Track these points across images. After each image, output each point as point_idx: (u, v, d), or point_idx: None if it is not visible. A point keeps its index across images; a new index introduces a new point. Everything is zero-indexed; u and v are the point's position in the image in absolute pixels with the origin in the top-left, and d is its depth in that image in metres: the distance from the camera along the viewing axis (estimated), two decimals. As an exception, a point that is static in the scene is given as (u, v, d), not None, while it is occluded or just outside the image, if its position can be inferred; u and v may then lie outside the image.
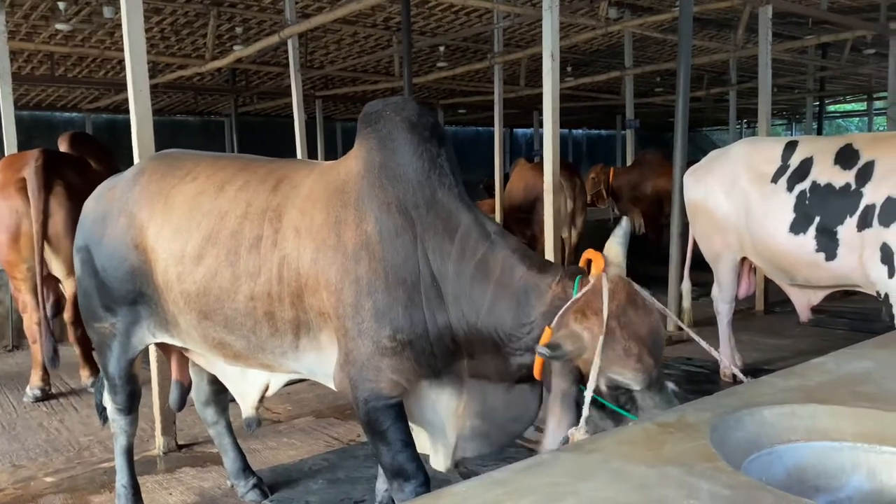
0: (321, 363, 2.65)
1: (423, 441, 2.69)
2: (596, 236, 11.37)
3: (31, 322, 5.09)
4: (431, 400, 2.58)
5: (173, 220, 2.78)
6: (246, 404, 3.02)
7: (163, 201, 2.84)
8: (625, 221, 2.43)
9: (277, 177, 2.74)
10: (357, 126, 2.72)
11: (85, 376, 5.38)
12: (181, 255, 2.72)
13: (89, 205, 3.12)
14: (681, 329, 6.04)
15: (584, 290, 2.24)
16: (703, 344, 2.49)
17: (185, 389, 3.32)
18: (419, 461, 2.54)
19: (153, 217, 2.83)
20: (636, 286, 2.29)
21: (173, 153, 3.15)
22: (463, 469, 3.58)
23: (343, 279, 2.45)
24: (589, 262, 2.32)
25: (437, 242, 2.45)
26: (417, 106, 2.65)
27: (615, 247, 2.35)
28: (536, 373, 2.38)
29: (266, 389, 2.97)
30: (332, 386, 2.72)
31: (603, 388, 2.19)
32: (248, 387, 2.98)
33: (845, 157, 4.07)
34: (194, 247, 2.70)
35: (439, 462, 2.67)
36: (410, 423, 2.61)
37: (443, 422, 2.60)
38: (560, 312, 2.24)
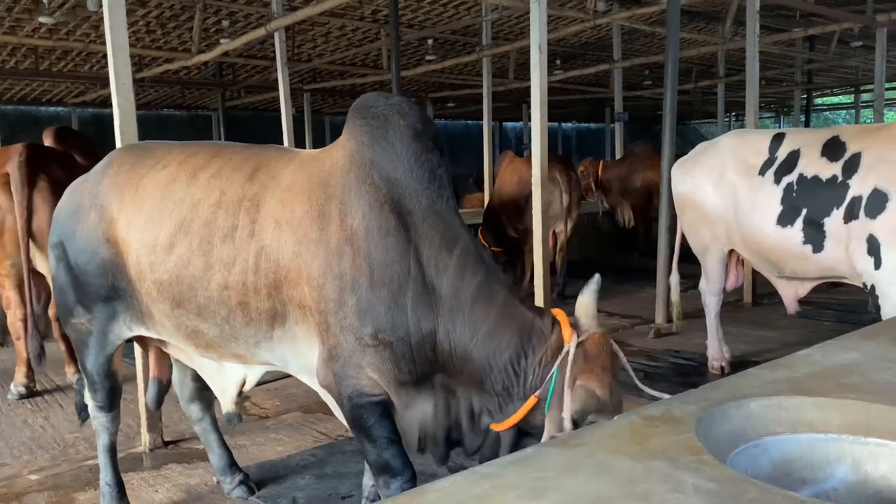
0: (295, 354, 2.64)
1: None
2: (585, 230, 11.32)
3: (16, 318, 5.03)
4: (404, 402, 2.55)
5: (144, 209, 2.74)
6: (225, 399, 3.00)
7: (132, 191, 2.80)
8: (597, 278, 2.47)
9: (253, 165, 2.69)
10: (348, 115, 2.67)
11: (70, 373, 5.33)
12: (153, 245, 2.69)
13: (63, 200, 3.08)
14: (669, 321, 6.08)
15: (568, 348, 2.35)
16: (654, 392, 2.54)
17: (164, 387, 3.30)
18: (405, 457, 2.54)
19: (123, 208, 2.80)
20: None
21: (143, 144, 3.12)
22: (451, 464, 3.57)
23: (326, 274, 2.43)
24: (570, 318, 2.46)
25: (434, 253, 2.44)
26: (421, 111, 2.63)
27: (590, 303, 2.44)
28: (509, 423, 2.42)
29: (243, 384, 2.95)
30: (304, 378, 2.72)
31: (570, 426, 2.29)
32: (226, 382, 2.97)
33: (832, 149, 4.08)
34: (166, 236, 2.66)
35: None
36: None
37: (411, 425, 2.58)
38: (550, 377, 2.36)
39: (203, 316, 2.65)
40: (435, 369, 2.50)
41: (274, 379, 5.12)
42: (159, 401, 3.31)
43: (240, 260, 2.54)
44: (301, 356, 2.62)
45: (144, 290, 2.77)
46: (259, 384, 3.23)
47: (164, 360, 3.24)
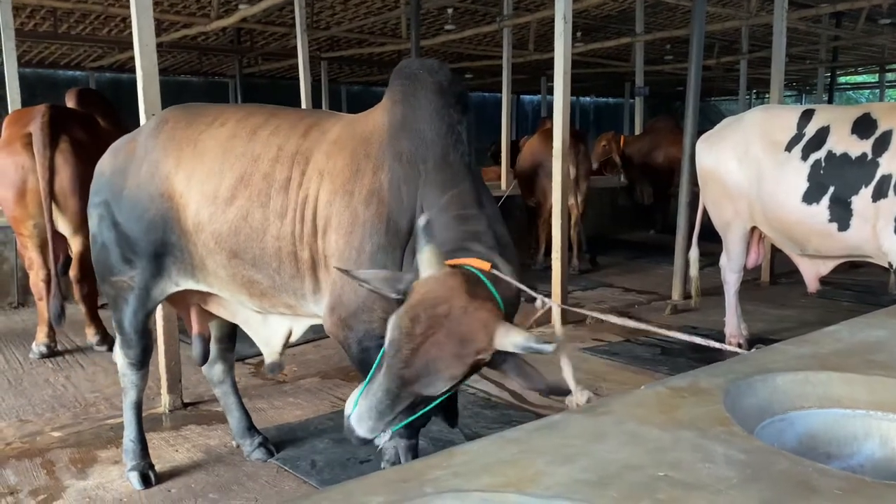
0: None
1: None
2: (603, 205, 11.20)
3: (38, 279, 5.08)
4: None
5: (206, 162, 2.84)
6: (270, 349, 3.11)
7: (192, 147, 2.90)
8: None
9: (308, 123, 2.84)
10: (389, 80, 2.82)
11: (90, 334, 5.39)
12: (214, 196, 2.79)
13: (105, 160, 3.14)
14: (686, 297, 6.06)
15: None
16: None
17: (206, 342, 3.36)
18: None
19: (181, 163, 2.88)
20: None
21: (192, 104, 3.18)
22: (468, 431, 3.60)
23: (353, 223, 2.58)
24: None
25: (434, 196, 2.55)
26: (449, 71, 2.76)
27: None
28: None
29: (289, 335, 3.07)
30: None
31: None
32: (272, 332, 3.09)
33: (862, 126, 4.01)
34: (227, 188, 2.78)
35: None
36: None
37: None
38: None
39: (258, 266, 2.77)
40: None
41: (297, 343, 5.16)
42: (206, 356, 3.38)
43: (290, 210, 2.68)
44: None
45: (202, 242, 2.86)
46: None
47: (205, 316, 3.31)
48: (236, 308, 3.10)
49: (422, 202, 2.55)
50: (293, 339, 3.09)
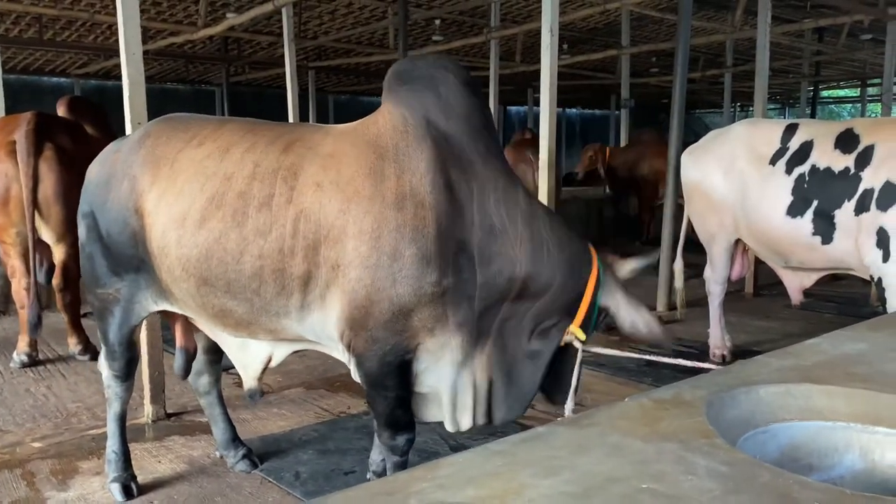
0: (325, 325, 2.64)
1: (434, 408, 2.78)
2: (589, 216, 11.30)
3: (20, 287, 5.03)
4: (454, 356, 2.62)
5: (177, 184, 2.75)
6: (248, 375, 3.01)
7: (168, 165, 2.80)
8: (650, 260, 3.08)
9: (288, 140, 2.73)
10: (386, 85, 2.74)
11: (73, 344, 5.34)
12: (182, 219, 2.69)
13: (94, 168, 3.08)
14: (671, 309, 6.09)
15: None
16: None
17: (191, 356, 3.30)
18: (412, 415, 2.72)
19: (156, 181, 2.80)
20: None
21: (178, 117, 3.09)
22: (453, 442, 3.59)
23: (381, 227, 2.47)
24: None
25: (500, 195, 2.59)
26: (461, 66, 2.76)
27: (632, 262, 3.07)
28: (579, 316, 2.73)
29: (269, 361, 2.95)
30: (335, 353, 2.74)
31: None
32: (251, 358, 2.97)
33: (845, 141, 4.07)
34: (197, 210, 2.67)
35: (461, 421, 2.74)
36: (425, 390, 2.71)
37: (465, 377, 2.67)
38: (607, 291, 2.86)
39: (232, 293, 2.66)
40: (497, 308, 2.63)
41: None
42: (187, 370, 3.31)
43: (276, 226, 2.56)
44: (330, 327, 2.63)
45: (166, 268, 2.77)
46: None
47: (191, 328, 3.24)
48: (215, 329, 3.00)
49: (485, 203, 2.57)
50: (273, 364, 2.97)
